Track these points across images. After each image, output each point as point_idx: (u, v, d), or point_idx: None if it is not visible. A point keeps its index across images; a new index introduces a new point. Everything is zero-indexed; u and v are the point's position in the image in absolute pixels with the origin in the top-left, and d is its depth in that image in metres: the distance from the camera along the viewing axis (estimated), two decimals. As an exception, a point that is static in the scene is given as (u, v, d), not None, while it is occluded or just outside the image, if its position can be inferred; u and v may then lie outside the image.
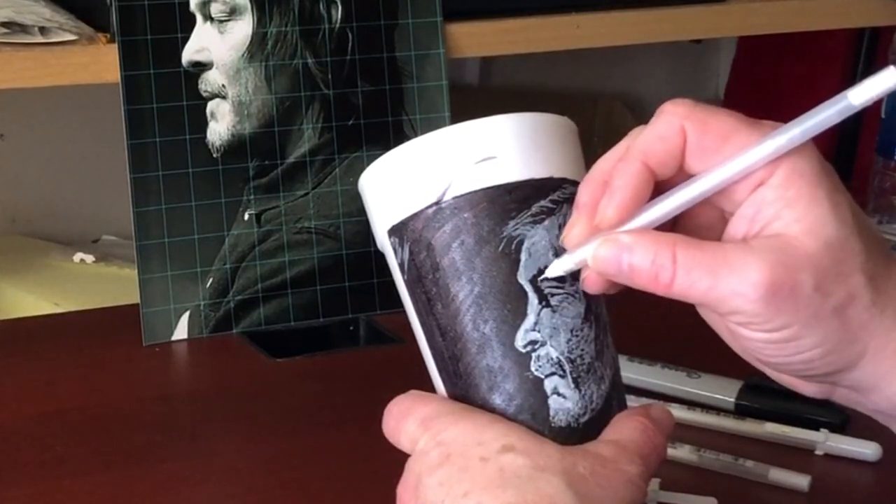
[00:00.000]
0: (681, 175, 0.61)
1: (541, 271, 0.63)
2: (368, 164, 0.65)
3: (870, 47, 1.56)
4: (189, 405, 1.01)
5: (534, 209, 0.63)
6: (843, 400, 0.65)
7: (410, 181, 0.63)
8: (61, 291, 1.27)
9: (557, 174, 0.64)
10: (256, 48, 1.12)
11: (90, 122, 1.44)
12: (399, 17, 1.17)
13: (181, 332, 1.10)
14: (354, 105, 1.15)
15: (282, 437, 0.95)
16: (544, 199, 0.63)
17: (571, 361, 0.63)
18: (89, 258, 1.34)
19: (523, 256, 0.63)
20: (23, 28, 1.06)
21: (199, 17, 1.10)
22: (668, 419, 0.65)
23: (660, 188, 0.61)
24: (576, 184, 0.64)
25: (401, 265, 0.64)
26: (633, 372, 1.01)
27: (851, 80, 0.57)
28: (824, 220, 0.59)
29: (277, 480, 0.90)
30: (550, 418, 0.63)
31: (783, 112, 0.64)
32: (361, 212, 0.67)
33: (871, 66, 1.53)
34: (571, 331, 0.63)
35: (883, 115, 1.36)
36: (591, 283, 0.62)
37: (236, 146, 1.12)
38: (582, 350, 0.63)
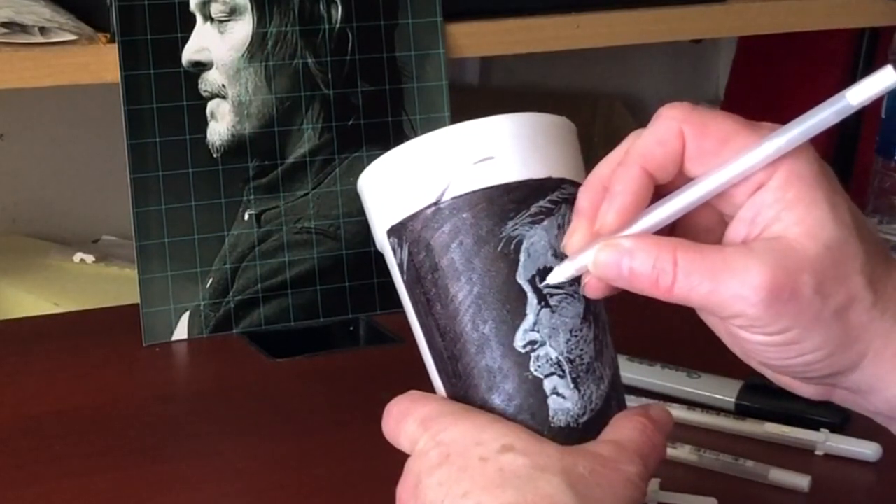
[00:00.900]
0: (680, 178, 0.61)
1: (540, 271, 0.63)
2: (368, 164, 0.65)
3: (870, 47, 1.56)
4: (189, 405, 1.01)
5: (532, 209, 0.63)
6: (842, 402, 0.65)
7: (409, 182, 0.63)
8: (61, 291, 1.27)
9: (556, 174, 0.64)
10: (256, 48, 1.12)
11: (90, 122, 1.44)
12: (399, 17, 1.17)
13: (181, 332, 1.10)
14: (354, 105, 1.15)
15: (282, 437, 0.95)
16: (543, 199, 0.63)
17: (571, 361, 0.63)
18: (89, 258, 1.34)
19: (522, 257, 0.63)
20: (23, 28, 1.06)
21: (199, 17, 1.10)
22: (667, 419, 0.65)
23: (659, 192, 0.61)
24: (575, 184, 0.64)
25: (400, 266, 0.64)
26: (633, 372, 1.01)
27: (851, 80, 0.57)
28: (824, 222, 0.59)
29: (277, 480, 0.90)
30: (550, 418, 0.63)
31: (783, 112, 0.64)
32: (361, 212, 0.67)
33: (871, 66, 1.53)
34: (570, 331, 0.63)
35: (883, 115, 1.36)
36: (593, 289, 0.62)
37: (236, 146, 1.12)
38: (581, 350, 0.63)
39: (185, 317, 1.10)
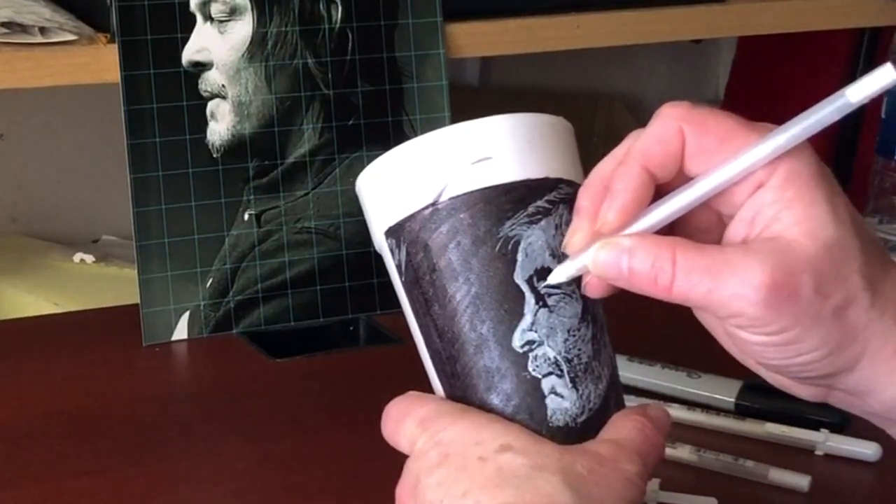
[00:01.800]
0: (680, 178, 0.61)
1: (537, 271, 0.63)
2: (368, 164, 0.65)
3: (870, 47, 1.56)
4: (189, 405, 1.01)
5: (530, 209, 0.63)
6: (839, 403, 0.65)
7: (406, 182, 0.63)
8: (61, 291, 1.27)
9: (554, 174, 0.64)
10: (256, 48, 1.12)
11: (90, 122, 1.44)
12: (399, 17, 1.17)
13: (181, 332, 1.10)
14: (354, 105, 1.15)
15: (282, 437, 0.95)
16: (540, 199, 0.63)
17: (569, 361, 0.63)
18: (89, 258, 1.34)
19: (520, 257, 0.63)
20: (23, 28, 1.06)
21: (199, 17, 1.10)
22: (665, 418, 0.65)
23: (659, 192, 0.61)
24: (572, 184, 0.64)
25: (398, 266, 0.64)
26: (633, 372, 1.01)
27: (851, 80, 0.57)
28: (823, 222, 0.59)
29: (277, 480, 0.90)
30: (548, 418, 0.63)
31: (783, 112, 0.64)
32: (361, 212, 0.67)
33: (871, 67, 1.53)
34: (568, 330, 0.63)
35: (883, 115, 1.36)
36: (593, 289, 0.62)
37: (236, 146, 1.12)
38: (579, 350, 0.63)
39: (185, 317, 1.11)
